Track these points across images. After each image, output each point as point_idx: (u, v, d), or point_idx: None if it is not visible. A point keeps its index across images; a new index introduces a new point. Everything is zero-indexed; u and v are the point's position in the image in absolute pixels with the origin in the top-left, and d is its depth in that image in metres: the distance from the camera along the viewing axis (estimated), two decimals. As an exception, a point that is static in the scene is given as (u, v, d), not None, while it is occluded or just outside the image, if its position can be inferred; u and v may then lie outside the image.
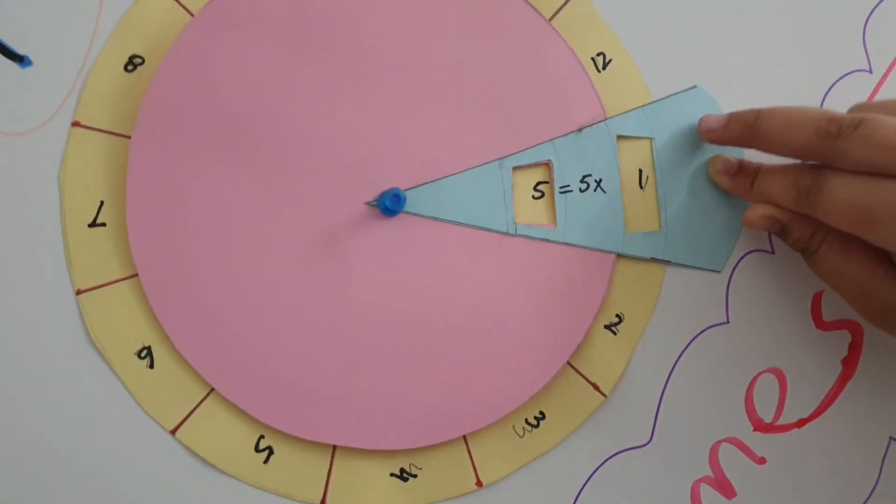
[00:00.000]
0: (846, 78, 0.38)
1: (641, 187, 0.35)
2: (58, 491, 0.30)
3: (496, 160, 0.33)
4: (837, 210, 0.31)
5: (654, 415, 0.36)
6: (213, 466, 0.31)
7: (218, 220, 0.30)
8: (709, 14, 0.37)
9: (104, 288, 0.30)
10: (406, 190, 0.32)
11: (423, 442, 0.32)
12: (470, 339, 0.33)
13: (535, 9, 0.34)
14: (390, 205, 0.31)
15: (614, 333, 0.35)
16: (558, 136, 0.34)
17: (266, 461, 0.31)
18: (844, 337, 0.38)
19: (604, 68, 0.35)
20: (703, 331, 0.37)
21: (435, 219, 0.33)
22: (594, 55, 0.35)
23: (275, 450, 0.31)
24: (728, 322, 0.37)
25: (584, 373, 0.35)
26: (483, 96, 0.33)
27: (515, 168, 0.34)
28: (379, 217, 0.32)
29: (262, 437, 0.31)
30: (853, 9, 0.38)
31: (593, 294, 0.34)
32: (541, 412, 0.34)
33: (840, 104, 0.37)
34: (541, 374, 0.34)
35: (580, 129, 0.34)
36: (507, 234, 0.33)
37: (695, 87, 0.36)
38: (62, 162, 0.30)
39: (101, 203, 0.30)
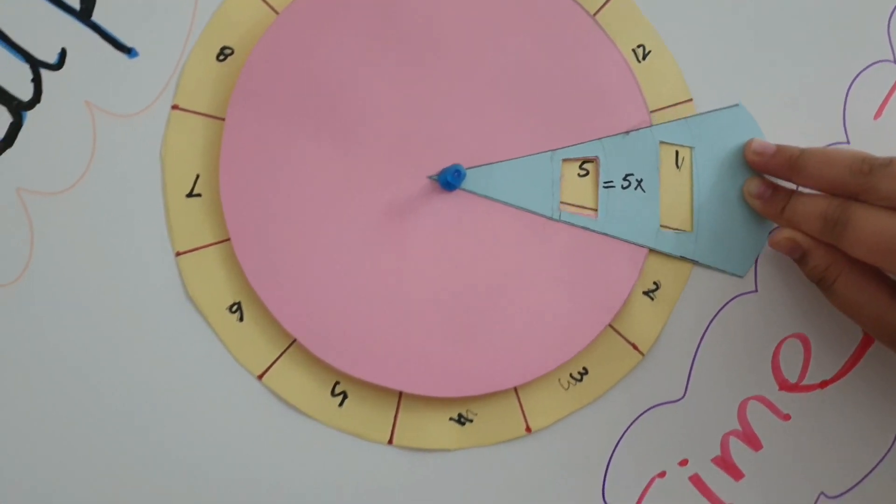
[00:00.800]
0: (871, 68, 0.41)
1: (677, 191, 0.38)
2: (158, 432, 0.34)
3: (548, 151, 0.37)
4: (862, 241, 0.34)
5: (687, 373, 0.39)
6: (295, 408, 0.35)
7: (301, 190, 0.34)
8: (739, 7, 0.39)
9: (200, 250, 0.34)
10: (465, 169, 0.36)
11: (478, 391, 0.36)
12: (520, 303, 0.37)
13: (581, 6, 0.37)
14: (451, 179, 0.35)
15: (652, 299, 0.39)
16: (607, 136, 0.37)
17: (341, 404, 0.35)
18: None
19: (644, 59, 0.38)
20: (733, 298, 0.40)
21: (488, 198, 0.36)
22: (634, 47, 0.38)
23: (348, 394, 0.35)
24: (756, 291, 0.40)
25: (623, 334, 0.38)
26: (539, 92, 0.36)
27: (565, 160, 0.37)
28: (439, 191, 0.36)
29: (337, 382, 0.35)
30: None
31: (632, 266, 0.38)
32: (584, 368, 0.38)
33: (865, 93, 0.40)
34: (584, 335, 0.37)
35: (627, 132, 0.37)
36: (551, 218, 0.37)
37: (737, 105, 0.39)
38: (163, 140, 0.34)
39: (197, 176, 0.34)
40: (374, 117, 0.35)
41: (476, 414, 0.37)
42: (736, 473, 0.40)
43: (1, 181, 0.32)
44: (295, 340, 0.34)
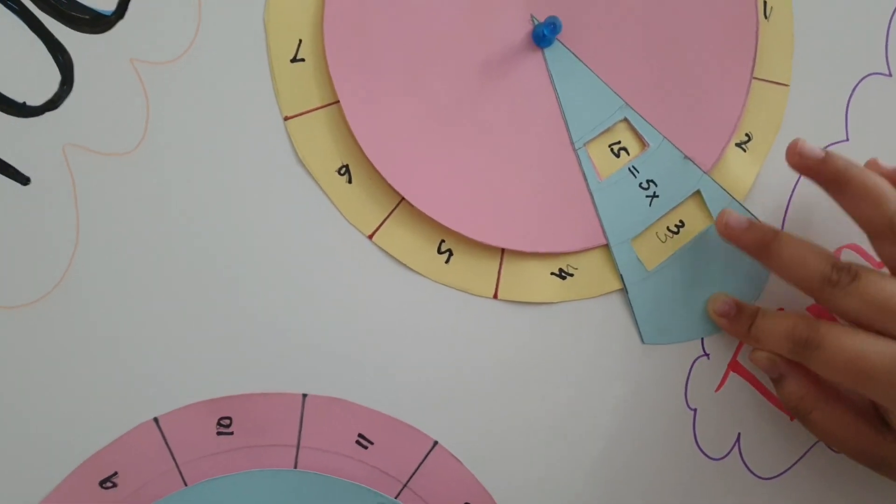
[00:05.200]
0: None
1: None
2: (274, 292, 0.35)
3: (622, 101, 0.37)
4: (835, 364, 0.33)
5: (781, 219, 0.40)
6: (404, 265, 0.36)
7: (403, 48, 0.34)
8: None
9: (307, 115, 0.35)
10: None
11: (577, 246, 0.37)
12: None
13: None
14: (547, 32, 0.35)
15: (744, 150, 0.39)
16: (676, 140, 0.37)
17: (447, 261, 0.36)
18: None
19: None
20: (826, 147, 0.40)
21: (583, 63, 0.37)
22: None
23: (454, 251, 0.36)
24: (847, 140, 0.40)
25: (719, 183, 0.39)
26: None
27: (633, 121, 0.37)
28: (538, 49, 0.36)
29: (443, 240, 0.36)
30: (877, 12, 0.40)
31: (728, 120, 0.38)
32: (681, 220, 0.38)
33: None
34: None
35: (686, 158, 0.37)
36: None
37: None
38: (265, 6, 0.34)
39: (300, 41, 0.35)
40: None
41: (576, 268, 0.38)
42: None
43: (115, 52, 0.33)
44: (402, 199, 0.35)
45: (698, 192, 0.38)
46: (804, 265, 0.34)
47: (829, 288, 0.34)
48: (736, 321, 0.37)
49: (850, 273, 0.33)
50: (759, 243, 0.36)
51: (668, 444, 0.40)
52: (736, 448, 0.41)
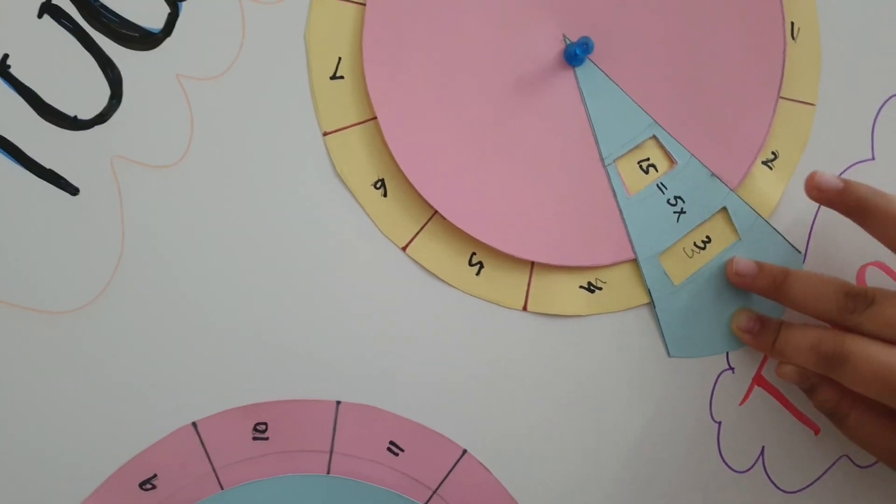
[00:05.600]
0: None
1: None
2: (311, 300, 0.36)
3: (651, 119, 0.38)
4: (864, 379, 0.33)
5: (806, 239, 0.40)
6: (436, 277, 0.37)
7: (439, 66, 0.36)
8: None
9: (345, 130, 0.36)
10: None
11: (605, 261, 0.38)
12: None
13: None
14: (579, 51, 0.36)
15: (770, 168, 0.40)
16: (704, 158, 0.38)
17: (478, 273, 0.37)
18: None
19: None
20: (850, 166, 0.41)
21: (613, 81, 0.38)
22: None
23: (485, 264, 0.37)
24: (874, 159, 0.41)
25: (745, 200, 0.39)
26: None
27: (661, 138, 0.38)
28: (568, 67, 0.37)
29: (474, 253, 0.37)
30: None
31: (754, 138, 0.39)
32: (707, 236, 0.39)
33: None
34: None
35: (712, 175, 0.38)
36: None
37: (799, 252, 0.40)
38: (307, 25, 0.35)
39: (340, 59, 0.36)
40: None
41: (605, 282, 0.38)
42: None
43: (162, 68, 0.34)
44: (435, 213, 0.36)
45: (724, 209, 0.39)
46: (819, 298, 0.35)
47: (848, 315, 0.34)
48: (760, 336, 0.38)
49: (867, 299, 0.34)
50: (771, 285, 0.37)
51: (694, 456, 0.41)
52: (760, 461, 0.41)
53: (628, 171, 0.38)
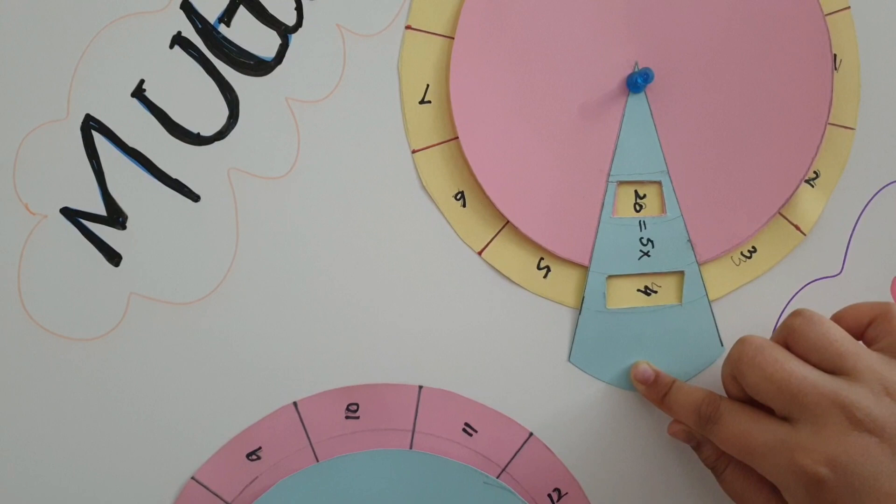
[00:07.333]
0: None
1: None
2: (399, 296, 0.41)
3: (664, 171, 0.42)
4: (728, 441, 0.36)
5: (844, 251, 0.44)
6: (508, 279, 0.41)
7: (515, 93, 0.40)
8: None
9: (430, 148, 0.40)
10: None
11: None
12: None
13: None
14: (640, 80, 0.40)
15: (812, 186, 0.44)
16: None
17: (545, 276, 0.42)
18: None
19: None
20: (887, 185, 0.44)
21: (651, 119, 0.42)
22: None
23: (551, 268, 0.42)
24: (910, 177, 0.44)
25: (788, 217, 0.43)
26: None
27: (665, 187, 0.42)
28: (628, 94, 0.41)
29: (541, 258, 0.42)
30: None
31: (801, 161, 0.43)
32: (753, 247, 0.43)
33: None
34: (756, 221, 0.43)
35: (689, 240, 0.42)
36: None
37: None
38: (399, 55, 0.40)
39: (427, 86, 0.40)
40: (580, 28, 0.40)
41: (660, 286, 0.43)
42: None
43: (274, 92, 0.39)
44: (508, 222, 0.41)
45: (682, 273, 0.42)
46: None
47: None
48: (653, 389, 0.41)
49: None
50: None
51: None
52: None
53: (623, 197, 0.42)
